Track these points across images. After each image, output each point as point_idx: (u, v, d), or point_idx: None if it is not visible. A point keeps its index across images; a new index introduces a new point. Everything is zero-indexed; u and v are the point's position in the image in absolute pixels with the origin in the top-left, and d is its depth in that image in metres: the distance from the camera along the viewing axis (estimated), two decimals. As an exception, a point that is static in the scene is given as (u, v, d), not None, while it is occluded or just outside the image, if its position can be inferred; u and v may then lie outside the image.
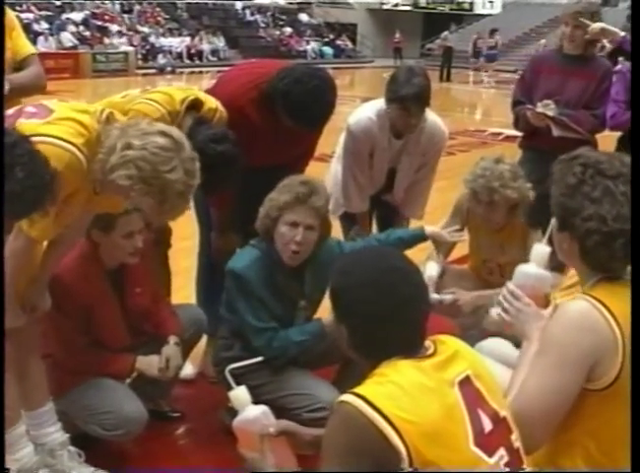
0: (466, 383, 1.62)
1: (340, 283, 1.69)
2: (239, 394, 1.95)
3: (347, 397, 1.56)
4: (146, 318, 2.98)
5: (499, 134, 11.29)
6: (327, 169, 3.89)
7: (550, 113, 3.82)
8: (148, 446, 2.94)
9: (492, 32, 24.76)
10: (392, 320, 1.62)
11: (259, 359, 2.18)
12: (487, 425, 1.60)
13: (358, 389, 1.56)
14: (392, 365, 1.60)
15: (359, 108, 3.65)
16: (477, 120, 15.95)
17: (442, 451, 1.51)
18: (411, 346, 1.64)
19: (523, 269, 2.02)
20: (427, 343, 1.67)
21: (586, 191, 1.79)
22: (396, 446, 1.49)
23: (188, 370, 3.45)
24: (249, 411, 1.92)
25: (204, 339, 3.42)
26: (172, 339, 2.92)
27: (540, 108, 3.83)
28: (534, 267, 2.00)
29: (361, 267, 1.68)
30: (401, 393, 1.53)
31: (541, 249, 2.01)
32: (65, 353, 2.79)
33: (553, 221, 1.92)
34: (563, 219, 1.85)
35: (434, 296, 3.20)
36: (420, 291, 1.70)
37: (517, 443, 1.66)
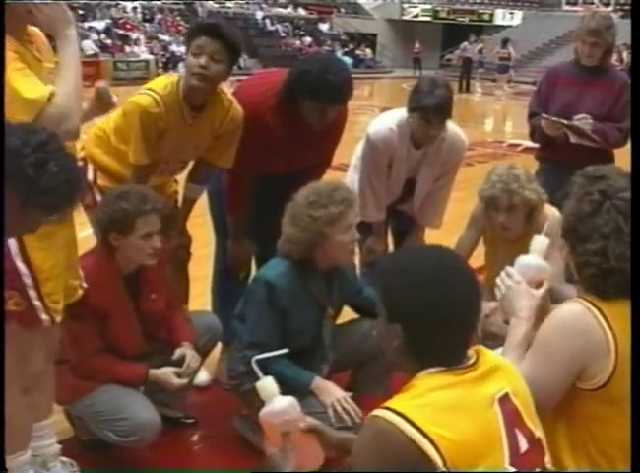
0: (505, 401, 1.58)
1: (397, 281, 1.62)
2: (266, 385, 1.89)
3: (381, 412, 1.51)
4: (160, 325, 2.99)
5: (518, 145, 11.23)
6: (344, 179, 3.89)
7: (588, 127, 3.79)
8: (161, 452, 2.94)
9: (505, 42, 24.37)
10: (450, 322, 1.57)
11: (284, 350, 2.13)
12: (523, 445, 1.57)
13: (393, 404, 1.52)
14: (430, 377, 1.55)
15: (379, 118, 3.65)
16: (495, 131, 15.90)
17: (478, 470, 1.47)
18: (458, 350, 1.60)
19: (524, 261, 2.07)
20: (469, 352, 1.63)
21: (598, 224, 1.84)
22: (434, 460, 1.44)
23: (202, 376, 3.45)
24: (276, 402, 1.86)
25: (218, 346, 3.43)
26: (186, 344, 2.94)
27: (577, 122, 3.80)
28: (534, 258, 2.06)
29: (421, 265, 1.63)
30: (438, 409, 1.49)
31: (540, 240, 2.08)
32: (80, 359, 2.81)
33: (557, 215, 1.98)
34: (568, 235, 1.91)
35: None
36: (478, 291, 1.65)
37: (549, 466, 1.64)
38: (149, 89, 3.05)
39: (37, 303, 2.37)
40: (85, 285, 2.65)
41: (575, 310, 1.86)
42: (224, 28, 3.00)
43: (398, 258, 1.73)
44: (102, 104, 2.71)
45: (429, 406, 1.49)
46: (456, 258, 1.69)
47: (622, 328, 1.83)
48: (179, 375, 2.84)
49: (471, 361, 1.60)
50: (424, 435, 1.45)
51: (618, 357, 1.81)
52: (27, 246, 2.30)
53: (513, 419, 1.57)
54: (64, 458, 2.70)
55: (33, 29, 2.37)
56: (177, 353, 2.90)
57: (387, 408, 1.50)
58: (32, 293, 2.35)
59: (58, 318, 2.45)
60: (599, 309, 1.84)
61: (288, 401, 1.87)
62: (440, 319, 1.56)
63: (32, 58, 2.30)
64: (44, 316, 2.40)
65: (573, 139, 3.82)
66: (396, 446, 1.46)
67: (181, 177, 3.49)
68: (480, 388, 1.56)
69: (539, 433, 1.63)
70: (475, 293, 1.63)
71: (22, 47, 2.26)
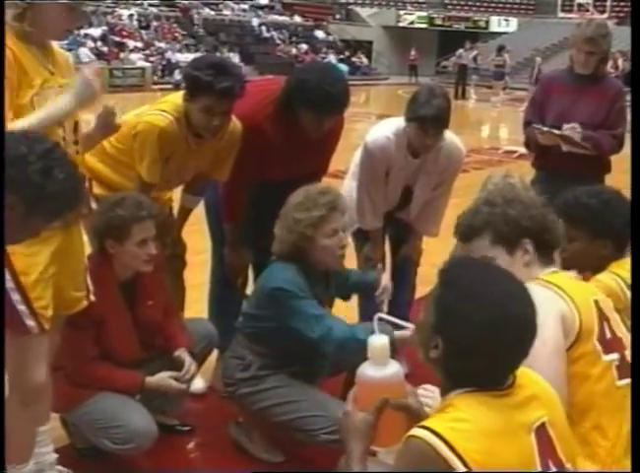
0: (541, 430, 1.56)
1: (463, 300, 1.54)
2: (379, 344, 1.70)
3: (420, 432, 1.48)
4: (157, 332, 2.98)
5: (514, 152, 11.24)
6: (341, 186, 3.89)
7: (577, 136, 3.79)
8: (157, 460, 2.93)
9: (500, 49, 24.39)
10: (497, 355, 1.53)
11: (410, 325, 1.99)
12: None
13: (432, 424, 1.49)
14: (469, 397, 1.53)
15: (377, 126, 3.65)
16: (491, 138, 15.94)
17: None
18: (500, 378, 1.57)
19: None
20: None
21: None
22: None
23: (198, 384, 3.44)
24: (382, 367, 1.70)
25: (214, 353, 3.42)
26: (181, 350, 2.94)
27: (567, 132, 3.81)
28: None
29: (484, 288, 1.56)
30: (478, 434, 1.47)
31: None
32: (76, 366, 2.80)
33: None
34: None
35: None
36: (534, 325, 1.59)
37: None
38: (163, 111, 3.06)
39: (22, 307, 2.29)
40: (92, 297, 2.63)
41: (531, 287, 1.94)
42: (236, 85, 2.97)
43: (464, 273, 1.61)
44: (107, 125, 2.67)
45: (469, 431, 1.47)
46: (515, 279, 1.63)
47: (570, 287, 2.02)
48: (177, 380, 2.84)
49: (508, 382, 1.57)
50: (461, 459, 1.44)
51: (582, 322, 1.94)
52: (11, 249, 2.19)
53: (547, 449, 1.55)
54: (60, 467, 2.69)
55: (58, 49, 2.42)
56: (176, 355, 2.91)
57: (426, 428, 1.48)
58: (15, 297, 2.26)
59: (47, 326, 2.36)
60: (549, 282, 2.00)
61: (397, 369, 1.71)
62: (485, 352, 1.51)
63: (40, 66, 2.35)
64: (31, 322, 2.31)
65: (565, 147, 3.82)
66: (433, 468, 1.45)
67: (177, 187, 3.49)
68: (519, 416, 1.54)
69: (569, 465, 1.61)
70: (532, 326, 1.57)
71: (38, 53, 2.35)
